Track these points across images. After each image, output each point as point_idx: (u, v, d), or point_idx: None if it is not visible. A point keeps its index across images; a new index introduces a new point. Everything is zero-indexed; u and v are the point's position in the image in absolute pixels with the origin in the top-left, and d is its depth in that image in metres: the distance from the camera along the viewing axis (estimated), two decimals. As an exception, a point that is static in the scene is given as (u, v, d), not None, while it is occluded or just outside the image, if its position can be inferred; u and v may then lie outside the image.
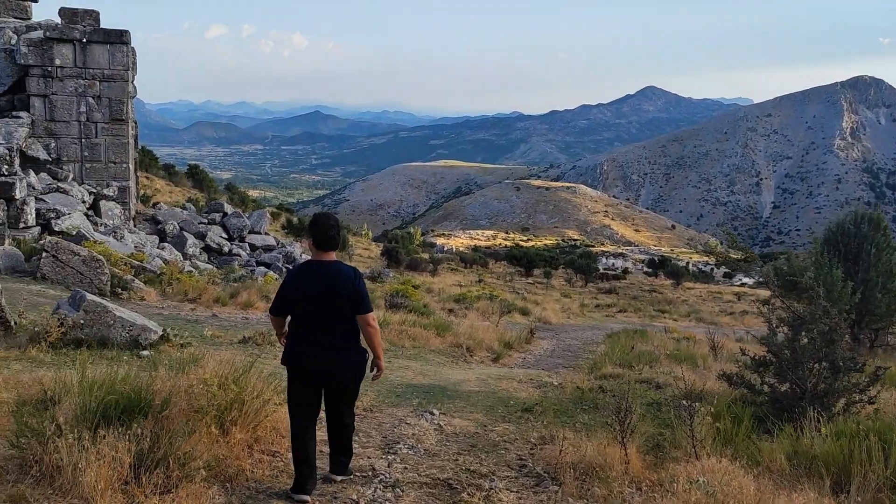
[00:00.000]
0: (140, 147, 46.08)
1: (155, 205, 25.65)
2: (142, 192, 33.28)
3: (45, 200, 17.35)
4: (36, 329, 6.83)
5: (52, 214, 16.79)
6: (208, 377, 4.57)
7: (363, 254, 43.97)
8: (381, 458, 5.22)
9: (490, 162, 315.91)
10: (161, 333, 7.23)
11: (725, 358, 11.93)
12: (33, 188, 17.75)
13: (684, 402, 7.77)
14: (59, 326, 6.76)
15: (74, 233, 16.30)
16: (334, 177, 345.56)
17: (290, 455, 4.65)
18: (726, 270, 79.68)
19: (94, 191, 19.60)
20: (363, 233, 65.89)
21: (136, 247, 17.89)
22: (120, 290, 11.84)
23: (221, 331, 9.33)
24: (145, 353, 6.83)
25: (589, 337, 18.35)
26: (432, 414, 6.40)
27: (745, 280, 70.18)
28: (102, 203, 19.61)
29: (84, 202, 18.89)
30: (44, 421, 3.56)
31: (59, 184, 18.60)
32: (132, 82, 21.24)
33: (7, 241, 14.04)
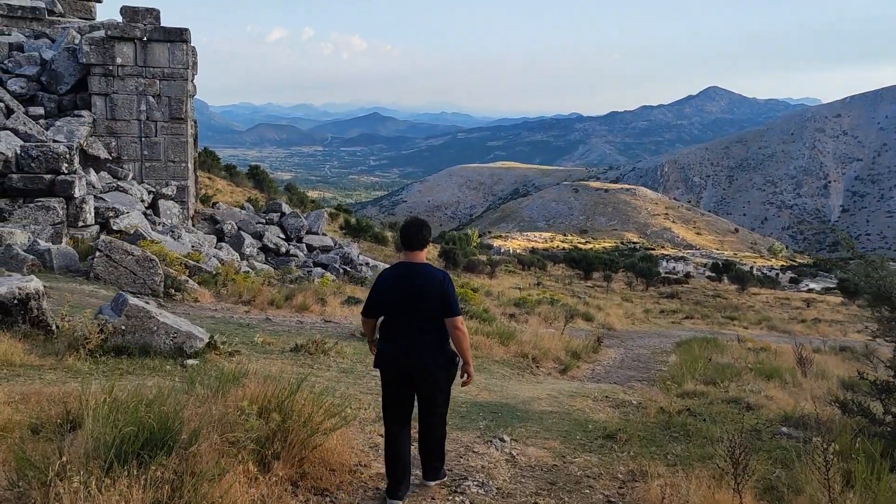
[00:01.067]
0: (203, 148, 46.88)
1: (214, 204, 25.57)
2: (203, 191, 33.46)
3: (104, 199, 17.23)
4: (76, 335, 6.35)
5: (111, 213, 16.62)
6: (247, 404, 3.94)
7: (421, 255, 43.46)
8: (448, 499, 4.52)
9: (548, 164, 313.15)
10: (208, 341, 6.69)
11: (815, 373, 10.88)
12: (93, 187, 17.66)
13: (784, 428, 6.86)
14: (99, 333, 6.27)
15: (132, 232, 16.11)
16: (392, 178, 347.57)
17: (340, 493, 4.16)
18: (792, 275, 77.15)
19: (154, 190, 19.48)
20: (420, 234, 65.37)
21: (193, 246, 17.64)
22: (174, 290, 11.46)
23: (273, 336, 8.83)
24: (190, 361, 6.28)
25: (657, 345, 17.40)
26: (503, 440, 5.67)
27: (812, 286, 67.65)
28: (161, 202, 19.47)
29: (143, 201, 18.75)
30: (49, 457, 2.98)
31: (118, 182, 18.50)
32: (192, 81, 21.09)
33: (65, 240, 13.86)
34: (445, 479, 4.87)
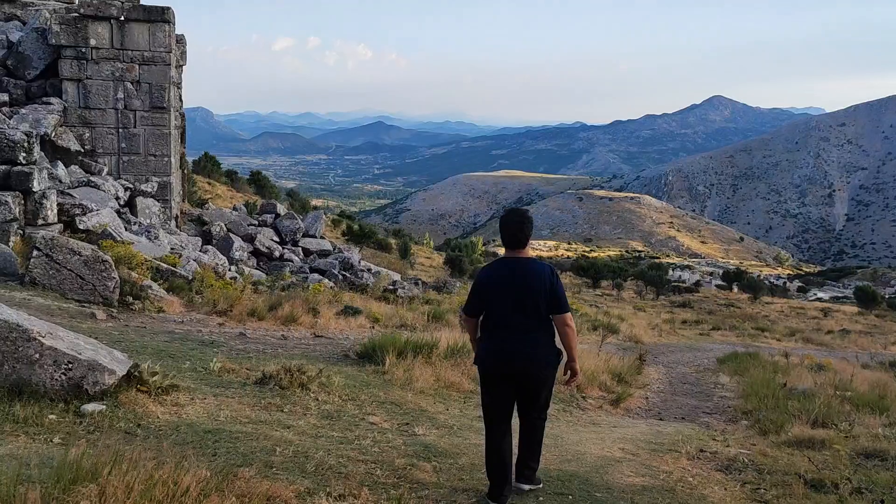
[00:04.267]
0: (203, 153, 45.72)
1: (203, 205, 23.61)
2: (202, 196, 31.67)
3: (71, 195, 15.26)
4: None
5: (78, 211, 14.63)
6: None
7: (425, 263, 41.85)
8: None
9: (552, 172, 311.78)
10: (126, 373, 4.62)
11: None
12: (59, 181, 15.71)
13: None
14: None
15: (100, 231, 14.18)
16: (396, 186, 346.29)
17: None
18: (800, 284, 75.59)
19: (131, 186, 17.51)
20: (425, 242, 63.87)
21: (172, 249, 15.67)
22: (132, 298, 9.47)
23: (239, 360, 6.84)
24: (91, 407, 4.17)
25: (695, 361, 15.44)
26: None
27: (821, 295, 65.95)
28: (139, 200, 17.51)
29: (118, 198, 16.80)
30: None
31: (90, 177, 16.55)
32: (176, 67, 19.17)
33: (13, 240, 11.88)
34: (540, 485, 4.60)
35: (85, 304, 8.61)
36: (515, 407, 4.48)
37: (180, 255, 15.19)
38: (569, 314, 4.38)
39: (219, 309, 10.26)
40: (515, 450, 4.49)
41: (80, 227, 14.50)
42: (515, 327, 4.27)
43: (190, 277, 12.65)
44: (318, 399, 5.89)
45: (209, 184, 39.66)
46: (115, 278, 9.18)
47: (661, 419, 7.77)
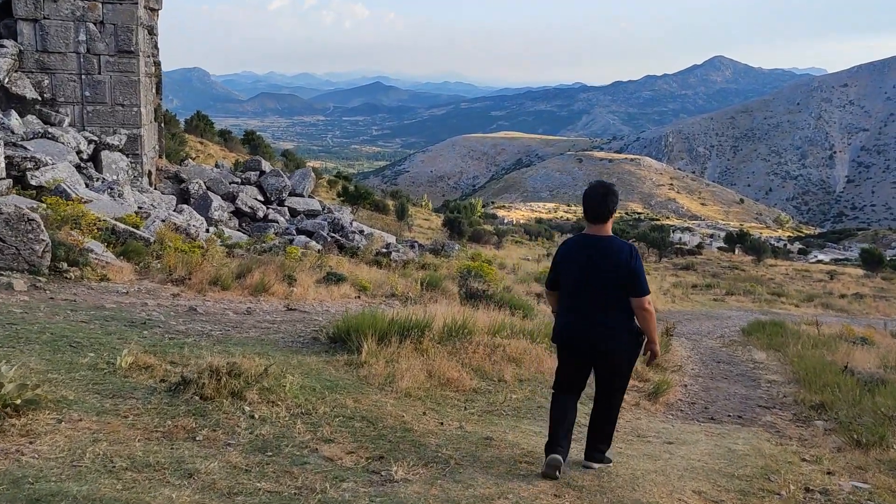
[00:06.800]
0: (195, 112, 44.10)
1: (183, 161, 21.94)
2: (195, 155, 29.98)
3: (25, 147, 13.65)
4: None
5: (30, 164, 13.06)
6: None
7: (423, 224, 40.41)
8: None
9: (551, 134, 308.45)
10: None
11: None
12: (12, 132, 14.10)
13: None
14: None
15: (53, 187, 12.65)
16: (395, 148, 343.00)
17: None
18: (801, 246, 74.62)
19: (96, 139, 15.84)
20: (423, 203, 62.33)
21: (140, 208, 14.11)
22: (67, 264, 7.92)
23: (170, 348, 5.23)
24: None
25: (718, 331, 14.08)
26: None
27: (822, 257, 64.90)
28: (105, 154, 15.87)
29: (80, 152, 15.17)
30: None
31: (49, 129, 14.89)
32: (147, 8, 17.38)
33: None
34: (610, 465, 4.42)
35: (4, 272, 7.08)
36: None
37: (148, 215, 13.65)
38: (647, 297, 4.17)
39: (175, 277, 8.71)
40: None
41: (32, 182, 12.99)
42: (587, 305, 4.18)
43: (152, 240, 11.12)
44: (254, 416, 4.13)
45: (201, 143, 38.12)
46: (44, 241, 7.63)
47: (713, 420, 6.26)
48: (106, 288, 7.72)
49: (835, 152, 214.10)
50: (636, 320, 4.24)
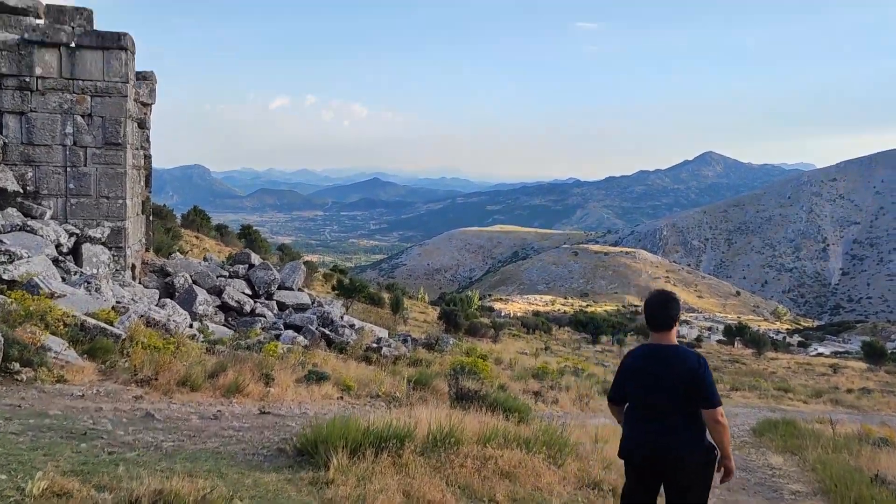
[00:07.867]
0: (192, 207, 44.25)
1: (170, 254, 21.46)
2: (188, 249, 29.58)
3: (1, 241, 13.18)
4: None
5: (4, 258, 12.56)
6: None
7: (419, 317, 39.75)
8: None
9: (547, 227, 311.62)
10: None
11: None
12: (-11, 225, 13.64)
13: None
14: None
15: (25, 281, 12.07)
16: (392, 241, 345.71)
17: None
18: (800, 339, 74.00)
19: (77, 231, 15.38)
20: (419, 296, 61.86)
21: (118, 302, 13.50)
22: (19, 365, 7.26)
23: (103, 466, 4.33)
24: None
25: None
26: None
27: (822, 349, 64.19)
28: (86, 247, 15.37)
29: (59, 245, 14.67)
30: None
31: (28, 221, 14.45)
32: (137, 101, 17.27)
33: None
34: None
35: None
36: None
37: (126, 310, 13.00)
38: (719, 409, 3.99)
39: (140, 377, 8.01)
40: None
41: (5, 276, 12.42)
42: (653, 417, 4.03)
43: (123, 336, 10.45)
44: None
45: (197, 237, 37.94)
46: (-4, 339, 6.99)
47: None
48: (60, 391, 7.02)
49: (828, 245, 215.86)
50: (708, 434, 4.04)
